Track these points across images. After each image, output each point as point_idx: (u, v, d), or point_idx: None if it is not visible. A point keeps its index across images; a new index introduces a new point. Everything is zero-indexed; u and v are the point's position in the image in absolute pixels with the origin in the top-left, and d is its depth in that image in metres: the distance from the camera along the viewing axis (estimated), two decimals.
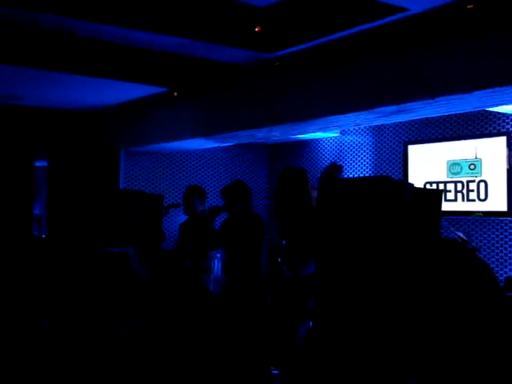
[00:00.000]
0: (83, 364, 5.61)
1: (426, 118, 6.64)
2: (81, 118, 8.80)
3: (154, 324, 5.96)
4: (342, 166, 7.17)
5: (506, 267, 6.04)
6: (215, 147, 8.46)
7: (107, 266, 6.58)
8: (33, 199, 9.03)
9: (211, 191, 8.23)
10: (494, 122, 6.19)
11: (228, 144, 7.97)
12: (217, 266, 6.63)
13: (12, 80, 6.67)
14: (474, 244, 6.04)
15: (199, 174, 8.67)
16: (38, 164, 9.16)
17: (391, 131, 7.22)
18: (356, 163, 7.64)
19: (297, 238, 4.62)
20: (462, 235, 5.59)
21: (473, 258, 3.59)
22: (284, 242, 4.41)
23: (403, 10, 4.30)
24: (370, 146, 7.49)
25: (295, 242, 4.61)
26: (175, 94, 7.06)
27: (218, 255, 6.80)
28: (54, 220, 8.87)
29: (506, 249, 6.08)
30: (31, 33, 5.10)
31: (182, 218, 6.89)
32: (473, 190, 6.29)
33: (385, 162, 7.30)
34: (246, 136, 6.85)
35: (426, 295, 3.45)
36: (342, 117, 5.45)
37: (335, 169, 6.36)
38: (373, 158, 7.45)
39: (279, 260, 4.59)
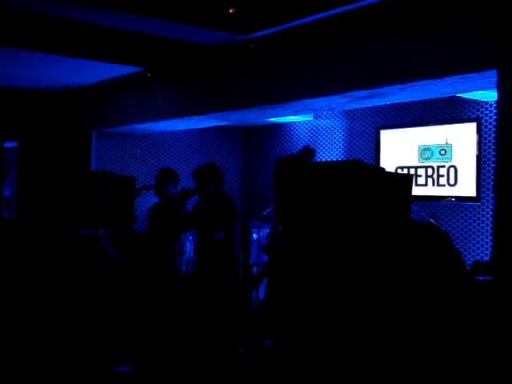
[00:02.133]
0: (54, 345, 5.59)
1: (398, 104, 6.69)
2: (52, 98, 8.68)
3: (126, 305, 5.95)
4: (315, 150, 7.20)
5: (473, 251, 6.15)
6: (189, 130, 8.42)
7: (78, 248, 6.54)
8: (2, 180, 8.91)
9: (185, 174, 8.21)
10: (465, 109, 6.26)
11: (202, 126, 7.94)
12: (189, 248, 6.63)
13: None
14: (442, 229, 6.13)
15: (172, 156, 8.64)
16: (7, 145, 9.03)
17: (364, 116, 7.27)
18: (329, 147, 7.68)
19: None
20: (431, 221, 5.67)
21: (442, 241, 3.64)
22: (280, 227, 4.45)
23: None
24: (343, 130, 7.53)
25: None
26: (148, 74, 7.00)
27: (191, 237, 6.81)
28: (23, 201, 8.77)
29: (474, 233, 6.19)
30: (2, 11, 5.00)
31: (154, 200, 6.87)
32: (443, 175, 6.38)
33: (357, 146, 7.34)
34: (219, 118, 6.83)
35: (394, 281, 3.50)
36: (315, 100, 5.46)
37: (308, 152, 6.39)
38: (345, 142, 7.50)
39: (275, 243, 4.63)
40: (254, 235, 6.32)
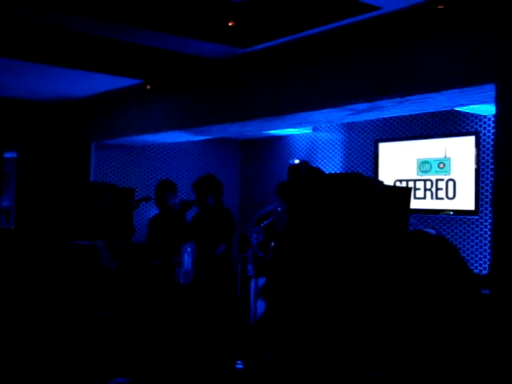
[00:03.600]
0: (51, 356, 5.57)
1: (397, 117, 6.71)
2: (52, 110, 8.70)
3: (124, 317, 5.94)
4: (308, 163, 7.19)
5: (472, 265, 6.14)
6: (188, 141, 8.43)
7: (76, 259, 6.53)
8: (1, 191, 8.92)
9: (183, 186, 8.21)
10: (464, 122, 6.28)
11: (201, 138, 7.95)
12: (187, 259, 6.61)
13: None
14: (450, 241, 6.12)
15: (171, 168, 8.64)
16: (7, 155, 9.04)
17: (363, 129, 7.28)
18: (328, 160, 7.70)
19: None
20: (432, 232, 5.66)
21: (449, 255, 3.63)
22: (272, 243, 4.47)
23: (375, 8, 4.34)
24: (342, 143, 7.54)
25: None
26: (148, 87, 7.02)
27: (189, 249, 6.79)
28: (22, 212, 8.77)
29: (472, 247, 6.18)
30: (2, 22, 5.03)
31: (153, 211, 6.87)
32: (441, 189, 6.38)
33: (356, 159, 7.36)
34: (218, 130, 6.85)
35: (393, 293, 3.50)
36: (314, 113, 5.48)
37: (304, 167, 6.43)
38: (344, 155, 7.51)
39: (268, 258, 4.65)
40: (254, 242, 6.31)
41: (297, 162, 6.08)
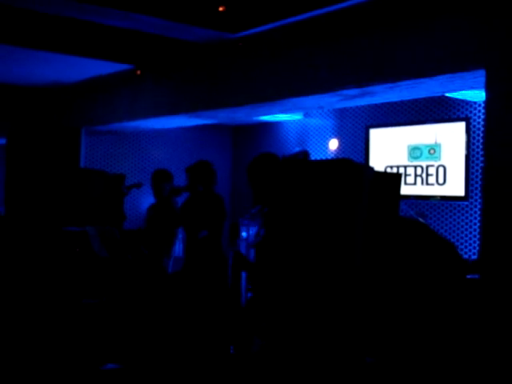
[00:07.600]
0: (42, 343, 5.58)
1: (388, 103, 6.71)
2: (41, 95, 8.64)
3: (115, 303, 5.94)
4: (309, 153, 7.19)
5: (462, 250, 6.17)
6: (180, 127, 8.41)
7: (67, 246, 6.52)
8: None
9: (175, 172, 8.18)
10: (454, 108, 6.28)
11: (191, 124, 7.93)
12: (178, 246, 6.61)
13: None
14: (431, 227, 6.15)
15: (162, 154, 8.61)
16: None
17: (353, 115, 7.28)
18: (319, 146, 7.69)
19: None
20: (421, 220, 5.69)
21: (436, 237, 3.66)
22: (262, 230, 4.46)
23: None
24: (333, 129, 7.54)
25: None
26: (138, 72, 6.98)
27: (180, 236, 6.79)
28: (12, 199, 8.73)
29: (462, 232, 6.22)
30: None
31: (145, 198, 6.86)
32: (432, 175, 6.40)
33: (347, 145, 7.36)
34: (209, 116, 6.83)
35: (382, 278, 3.51)
36: (305, 98, 5.47)
37: (304, 155, 6.45)
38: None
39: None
40: (243, 233, 6.32)
41: (297, 150, 6.07)
